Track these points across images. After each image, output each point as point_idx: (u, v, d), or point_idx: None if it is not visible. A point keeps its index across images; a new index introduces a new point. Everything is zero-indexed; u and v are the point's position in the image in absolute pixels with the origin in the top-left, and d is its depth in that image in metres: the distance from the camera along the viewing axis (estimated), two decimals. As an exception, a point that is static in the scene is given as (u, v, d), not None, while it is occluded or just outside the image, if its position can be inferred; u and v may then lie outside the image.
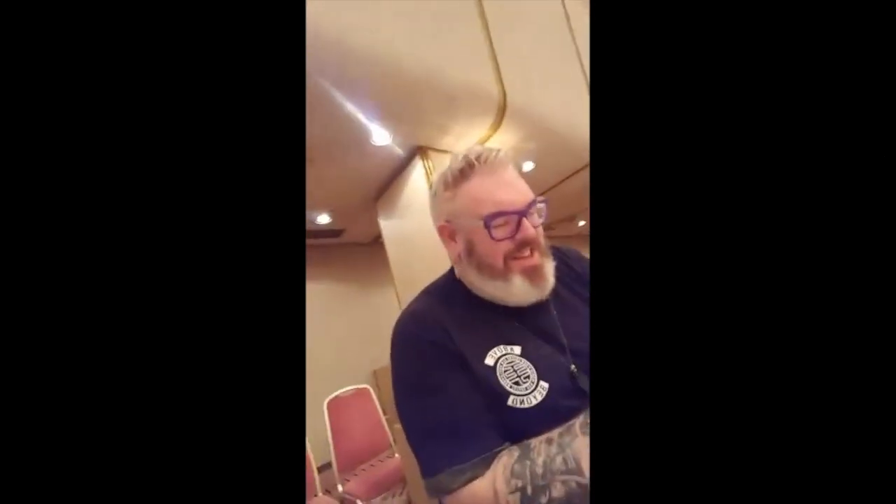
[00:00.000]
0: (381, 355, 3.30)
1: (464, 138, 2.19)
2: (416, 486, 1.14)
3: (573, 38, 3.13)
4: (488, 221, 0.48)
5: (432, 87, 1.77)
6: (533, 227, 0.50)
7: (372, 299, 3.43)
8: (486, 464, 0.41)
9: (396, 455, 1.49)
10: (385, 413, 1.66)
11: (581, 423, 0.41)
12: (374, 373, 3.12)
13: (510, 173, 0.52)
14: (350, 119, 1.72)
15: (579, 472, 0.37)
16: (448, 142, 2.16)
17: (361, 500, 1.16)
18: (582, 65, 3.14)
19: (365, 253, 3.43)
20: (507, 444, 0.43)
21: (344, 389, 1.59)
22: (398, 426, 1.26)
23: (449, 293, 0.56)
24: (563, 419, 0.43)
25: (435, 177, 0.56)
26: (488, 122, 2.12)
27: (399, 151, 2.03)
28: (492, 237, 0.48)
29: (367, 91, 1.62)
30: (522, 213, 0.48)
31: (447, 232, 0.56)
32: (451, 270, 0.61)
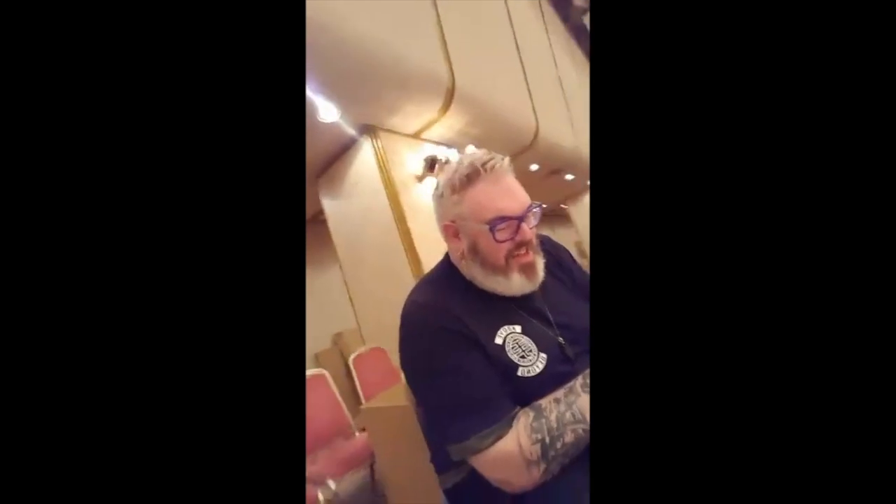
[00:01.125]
0: (323, 338, 3.23)
1: (413, 119, 2.18)
2: (386, 460, 1.21)
3: (512, 29, 3.24)
4: (493, 226, 0.54)
5: (385, 65, 1.72)
6: (529, 229, 0.56)
7: (311, 280, 3.29)
8: (508, 425, 0.49)
9: (357, 434, 1.53)
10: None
11: (580, 384, 0.51)
12: (316, 356, 3.05)
13: (511, 180, 0.58)
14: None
15: (584, 421, 0.47)
16: (397, 122, 2.13)
17: (332, 479, 1.20)
18: (520, 55, 3.28)
19: (300, 233, 3.25)
20: (518, 407, 0.52)
21: (299, 375, 1.57)
22: (364, 406, 1.29)
23: (450, 283, 0.61)
24: (559, 382, 0.52)
25: (442, 179, 0.60)
26: (437, 105, 2.14)
27: (348, 129, 1.95)
28: (495, 239, 0.55)
29: (316, 64, 1.52)
30: (521, 219, 0.55)
31: (452, 231, 0.60)
32: (446, 262, 0.65)
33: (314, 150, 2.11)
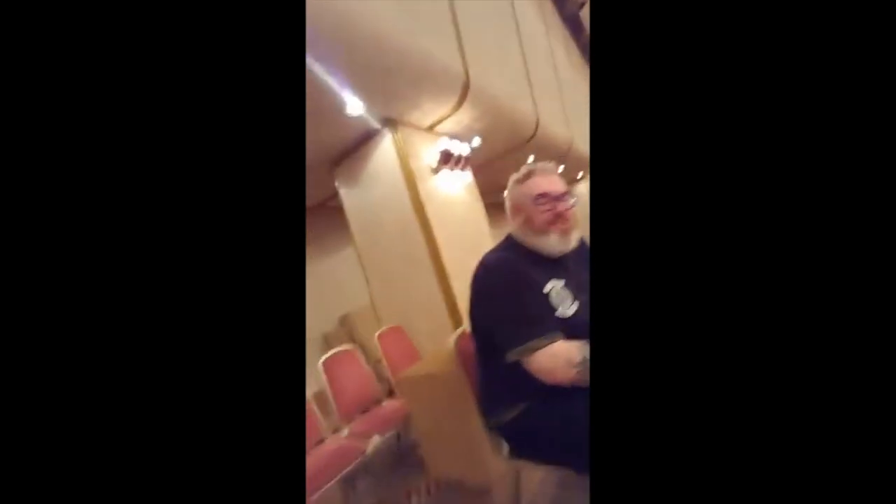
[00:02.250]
0: (330, 319, 3.37)
1: (429, 114, 2.31)
2: (424, 419, 1.42)
3: (516, 22, 3.36)
4: (537, 199, 0.82)
5: (408, 61, 1.84)
6: (564, 208, 0.82)
7: (316, 266, 3.40)
8: (559, 337, 0.72)
9: (384, 403, 1.73)
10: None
11: None
12: (324, 336, 3.20)
13: (554, 176, 0.85)
14: (320, 87, 1.70)
15: None
16: (416, 117, 2.26)
17: (378, 434, 1.40)
18: (522, 48, 3.41)
19: (309, 217, 3.34)
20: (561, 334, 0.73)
21: (333, 351, 1.73)
22: (402, 375, 1.48)
23: (512, 251, 0.85)
24: (583, 326, 0.73)
25: (511, 178, 0.88)
26: (453, 100, 2.27)
27: (372, 122, 2.07)
28: (539, 209, 0.82)
29: (345, 60, 1.63)
30: (558, 198, 0.82)
31: (515, 209, 0.86)
32: (508, 238, 0.89)
33: (337, 141, 2.22)
